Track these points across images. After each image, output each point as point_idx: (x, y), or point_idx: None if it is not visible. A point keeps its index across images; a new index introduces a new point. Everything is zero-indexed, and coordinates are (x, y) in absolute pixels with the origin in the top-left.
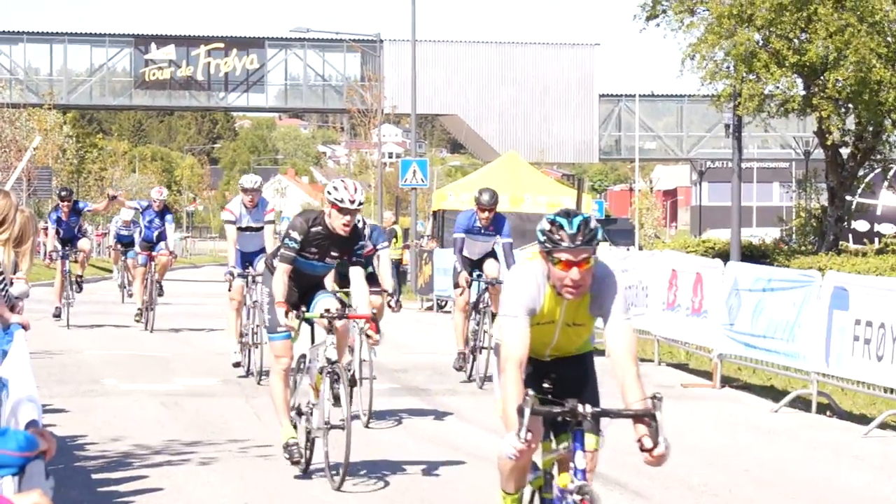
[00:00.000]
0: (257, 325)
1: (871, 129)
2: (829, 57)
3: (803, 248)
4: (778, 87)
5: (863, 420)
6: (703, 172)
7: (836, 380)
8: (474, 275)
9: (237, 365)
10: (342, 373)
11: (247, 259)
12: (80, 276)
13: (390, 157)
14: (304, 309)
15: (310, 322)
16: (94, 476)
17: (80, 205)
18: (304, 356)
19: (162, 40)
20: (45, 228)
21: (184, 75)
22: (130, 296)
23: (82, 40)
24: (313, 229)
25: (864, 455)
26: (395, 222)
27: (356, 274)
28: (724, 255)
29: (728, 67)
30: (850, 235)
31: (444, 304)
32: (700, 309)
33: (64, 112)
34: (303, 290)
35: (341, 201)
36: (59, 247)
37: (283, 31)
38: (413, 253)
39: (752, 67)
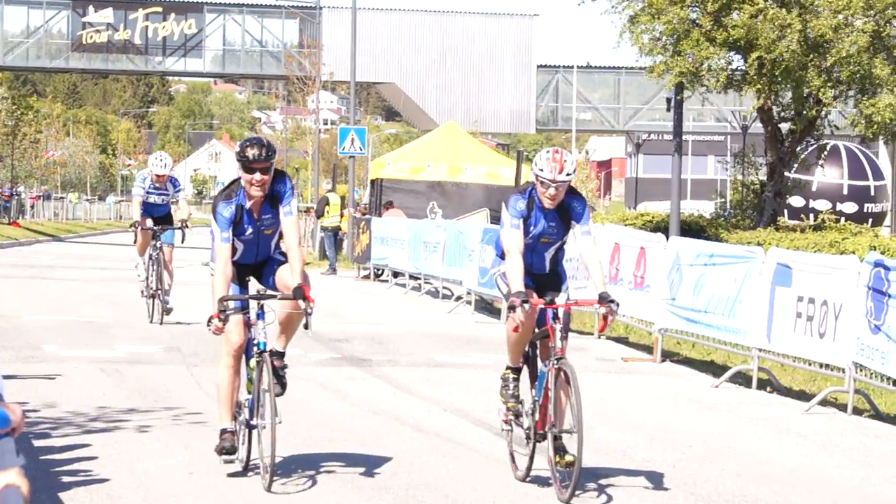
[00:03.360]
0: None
1: (806, 107)
2: (752, 36)
3: (740, 222)
4: (706, 65)
5: (802, 396)
6: (640, 145)
7: (777, 356)
8: None
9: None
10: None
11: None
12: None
13: (325, 123)
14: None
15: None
16: (36, 443)
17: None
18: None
19: (100, 3)
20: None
21: (121, 39)
22: (168, 313)
23: (19, 1)
24: None
25: (806, 432)
26: (331, 190)
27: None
28: (663, 229)
29: (664, 44)
30: (787, 211)
31: (380, 272)
32: (643, 283)
33: None
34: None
35: None
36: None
37: None
38: (350, 221)
39: (684, 46)
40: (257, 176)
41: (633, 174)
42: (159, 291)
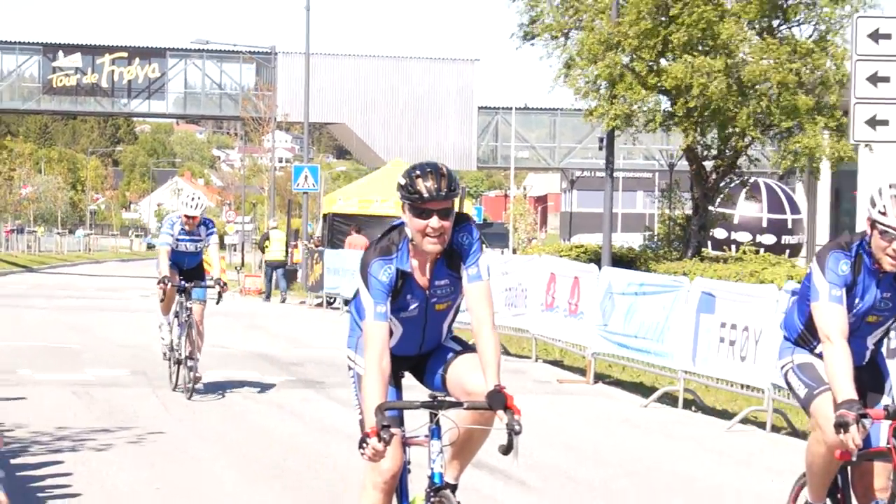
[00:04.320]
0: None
1: (730, 146)
2: (682, 83)
3: (668, 253)
4: (639, 106)
5: (724, 415)
6: (574, 181)
7: (701, 377)
8: None
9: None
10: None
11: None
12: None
13: (280, 161)
14: None
15: None
16: (12, 461)
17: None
18: None
19: (69, 49)
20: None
21: (89, 82)
22: (197, 381)
23: None
24: None
25: (729, 449)
26: (275, 227)
27: None
28: (595, 260)
29: (598, 87)
30: (710, 242)
31: (332, 300)
32: (577, 310)
33: None
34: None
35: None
36: None
37: (184, 43)
38: (303, 252)
39: (618, 90)
40: (434, 222)
41: (568, 208)
42: (187, 359)
